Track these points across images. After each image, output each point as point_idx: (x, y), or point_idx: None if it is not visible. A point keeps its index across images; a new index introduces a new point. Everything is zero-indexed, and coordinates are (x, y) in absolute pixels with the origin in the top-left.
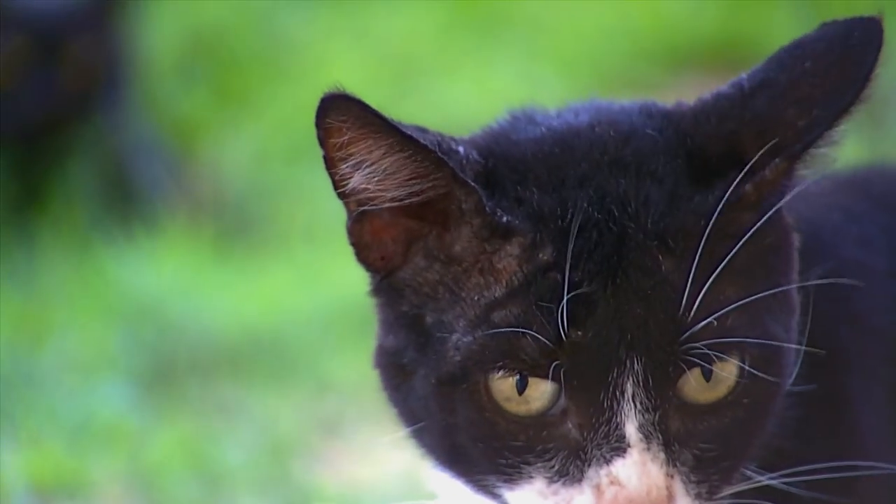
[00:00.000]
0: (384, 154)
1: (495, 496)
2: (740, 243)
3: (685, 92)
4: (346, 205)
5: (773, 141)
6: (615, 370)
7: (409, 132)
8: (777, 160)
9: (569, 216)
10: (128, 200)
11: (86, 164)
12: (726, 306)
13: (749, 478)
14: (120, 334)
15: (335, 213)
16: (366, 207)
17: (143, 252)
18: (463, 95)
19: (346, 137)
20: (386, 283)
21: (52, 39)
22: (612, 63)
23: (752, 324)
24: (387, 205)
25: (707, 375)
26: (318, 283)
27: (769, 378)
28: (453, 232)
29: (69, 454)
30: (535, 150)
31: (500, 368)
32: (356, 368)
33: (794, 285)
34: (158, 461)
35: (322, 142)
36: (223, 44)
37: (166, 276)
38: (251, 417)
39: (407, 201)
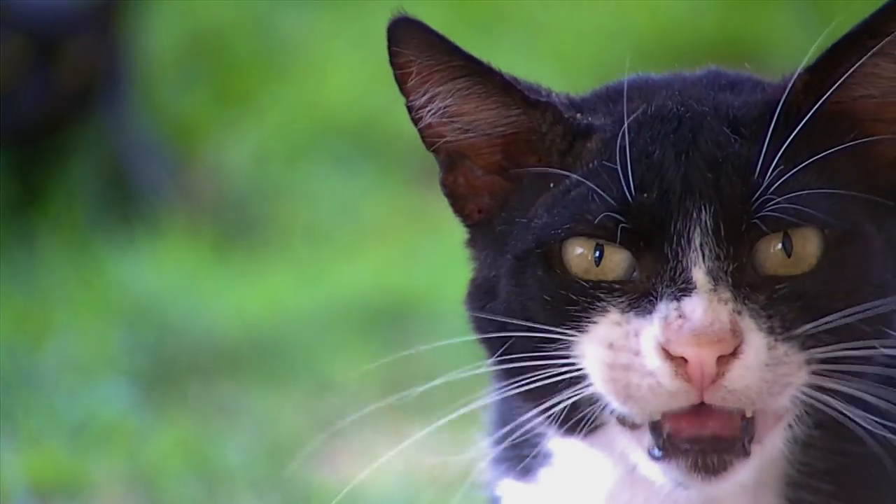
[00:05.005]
0: (452, 79)
1: (566, 365)
2: (801, 124)
3: None
4: (435, 153)
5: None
6: (681, 221)
7: (471, 55)
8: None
9: (651, 110)
10: (128, 200)
11: (86, 164)
12: (797, 169)
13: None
14: (120, 334)
15: (335, 213)
16: (448, 145)
17: (143, 252)
18: None
19: (413, 67)
20: (483, 231)
21: (51, 40)
22: (612, 63)
23: (831, 201)
24: (469, 140)
25: (787, 249)
26: (319, 283)
27: (853, 263)
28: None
29: (69, 454)
30: (636, 86)
31: (570, 233)
32: (356, 368)
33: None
34: (158, 461)
35: (395, 76)
36: (223, 44)
37: (166, 277)
38: (251, 417)
39: (486, 135)
